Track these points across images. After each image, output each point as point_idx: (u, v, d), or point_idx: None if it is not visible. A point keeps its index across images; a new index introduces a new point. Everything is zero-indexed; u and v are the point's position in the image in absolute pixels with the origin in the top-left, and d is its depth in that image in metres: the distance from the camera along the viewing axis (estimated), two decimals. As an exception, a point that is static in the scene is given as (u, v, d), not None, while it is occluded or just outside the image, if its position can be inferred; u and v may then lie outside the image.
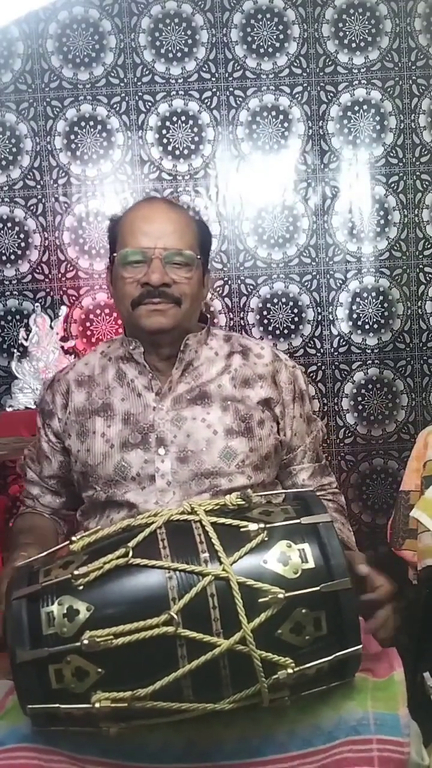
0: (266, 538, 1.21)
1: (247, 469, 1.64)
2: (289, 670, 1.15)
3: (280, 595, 1.14)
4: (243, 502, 1.30)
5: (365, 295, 2.92)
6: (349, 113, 2.88)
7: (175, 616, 1.14)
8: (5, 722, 1.28)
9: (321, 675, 1.21)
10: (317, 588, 1.16)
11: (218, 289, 2.87)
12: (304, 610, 1.16)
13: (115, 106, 2.86)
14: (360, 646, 1.19)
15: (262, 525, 1.22)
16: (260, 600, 1.15)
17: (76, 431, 1.70)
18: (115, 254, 1.70)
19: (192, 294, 1.67)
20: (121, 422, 1.67)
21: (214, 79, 2.86)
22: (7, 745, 1.24)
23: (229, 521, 1.25)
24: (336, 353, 2.94)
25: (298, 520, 1.24)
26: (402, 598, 1.53)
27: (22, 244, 2.89)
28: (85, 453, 1.68)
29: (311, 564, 1.19)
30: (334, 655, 1.18)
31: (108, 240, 1.78)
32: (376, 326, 2.94)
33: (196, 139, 2.88)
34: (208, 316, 1.82)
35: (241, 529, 1.22)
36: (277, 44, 2.86)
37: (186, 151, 2.88)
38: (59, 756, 1.24)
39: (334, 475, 1.85)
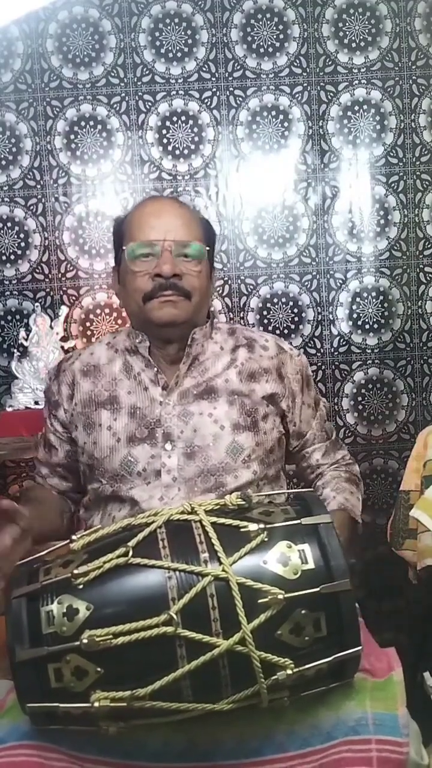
0: (266, 539, 1.20)
1: (253, 463, 1.64)
2: (289, 671, 1.15)
3: (280, 596, 1.14)
4: (243, 502, 1.30)
5: (365, 295, 2.92)
6: (349, 113, 2.88)
7: (175, 616, 1.14)
8: (6, 720, 1.29)
9: (320, 676, 1.21)
10: (317, 589, 1.16)
11: (218, 289, 2.87)
12: (303, 611, 1.16)
13: (115, 106, 2.86)
14: (359, 648, 1.19)
15: (262, 525, 1.21)
16: (260, 601, 1.15)
17: (83, 423, 1.70)
18: (123, 248, 1.69)
19: (201, 288, 1.67)
20: (128, 416, 1.66)
21: (214, 79, 2.86)
22: (7, 743, 1.25)
23: (229, 521, 1.24)
24: (336, 353, 2.94)
25: (298, 521, 1.23)
26: (402, 598, 1.52)
27: (22, 244, 2.89)
28: (92, 445, 1.68)
29: (311, 565, 1.19)
30: (333, 657, 1.18)
31: (113, 240, 1.78)
32: (376, 326, 2.94)
33: (196, 139, 2.88)
34: (212, 311, 1.82)
35: (241, 530, 1.22)
36: (277, 44, 2.86)
37: (186, 151, 2.88)
38: (59, 754, 1.24)
39: (345, 447, 1.88)
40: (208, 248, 1.71)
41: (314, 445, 1.80)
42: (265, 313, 2.92)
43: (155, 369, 1.68)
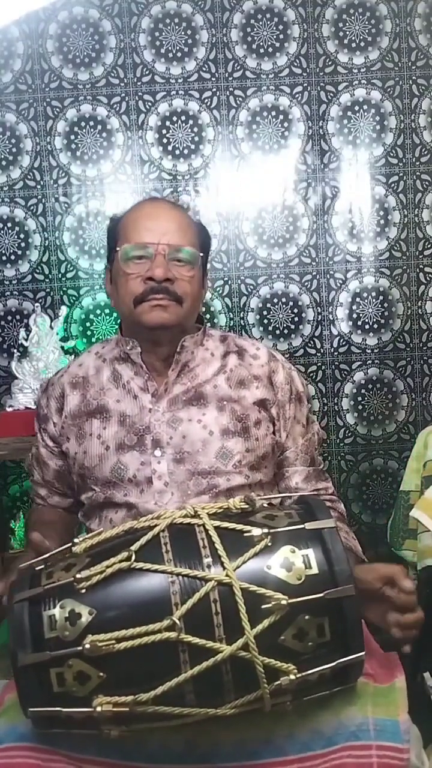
0: (270, 544, 1.20)
1: (245, 469, 1.63)
2: (292, 677, 1.15)
3: (284, 602, 1.14)
4: (246, 506, 1.30)
5: (365, 295, 2.92)
6: (349, 113, 2.88)
7: (178, 622, 1.14)
8: (3, 720, 1.29)
9: (323, 681, 1.21)
10: (321, 594, 1.16)
11: (218, 289, 2.86)
12: (307, 617, 1.16)
13: (115, 106, 2.85)
14: (363, 653, 1.19)
15: (265, 530, 1.21)
16: (263, 606, 1.15)
17: (74, 434, 1.70)
18: (117, 249, 1.69)
19: (193, 293, 1.67)
20: (117, 423, 1.67)
21: (214, 79, 2.86)
22: (5, 744, 1.25)
23: (232, 525, 1.25)
24: (336, 353, 2.94)
25: (302, 526, 1.23)
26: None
27: (22, 244, 2.89)
28: (82, 455, 1.68)
29: (315, 570, 1.19)
30: (336, 662, 1.18)
31: (107, 239, 1.78)
32: (376, 326, 2.93)
33: (196, 139, 2.87)
34: (206, 317, 1.82)
35: (245, 534, 1.22)
36: (277, 44, 2.85)
37: (186, 151, 2.87)
38: (57, 756, 1.25)
39: (331, 481, 1.81)
40: (202, 254, 1.71)
41: (295, 467, 1.73)
42: (265, 313, 2.91)
43: (145, 376, 1.68)
